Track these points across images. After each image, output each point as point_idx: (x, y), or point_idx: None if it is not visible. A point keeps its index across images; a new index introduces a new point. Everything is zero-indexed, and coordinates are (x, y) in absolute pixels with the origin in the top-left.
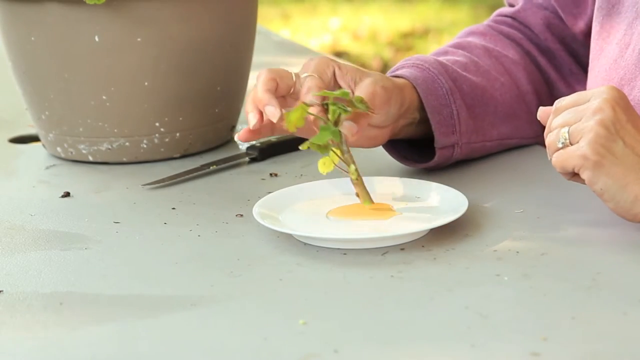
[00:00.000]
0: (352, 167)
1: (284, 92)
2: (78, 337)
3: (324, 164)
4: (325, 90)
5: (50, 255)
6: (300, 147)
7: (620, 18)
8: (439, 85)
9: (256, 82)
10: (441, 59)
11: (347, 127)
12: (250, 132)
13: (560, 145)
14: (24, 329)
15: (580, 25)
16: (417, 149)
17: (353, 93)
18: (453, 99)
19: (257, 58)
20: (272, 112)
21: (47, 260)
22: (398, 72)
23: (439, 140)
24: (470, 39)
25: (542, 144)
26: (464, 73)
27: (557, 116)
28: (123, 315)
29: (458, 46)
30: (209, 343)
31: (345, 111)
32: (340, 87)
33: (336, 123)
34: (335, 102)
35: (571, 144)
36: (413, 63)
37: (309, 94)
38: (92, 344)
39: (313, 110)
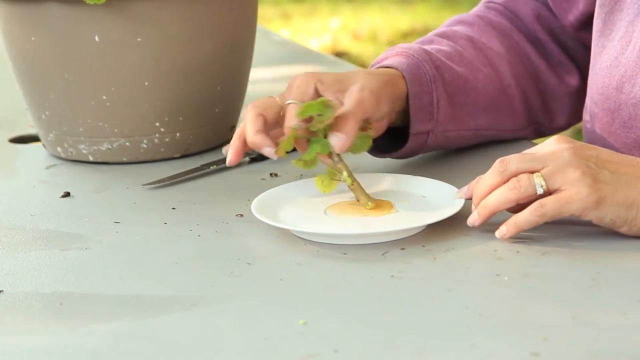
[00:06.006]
0: (345, 174)
1: (274, 121)
2: (78, 337)
3: (323, 182)
4: (306, 103)
5: (50, 255)
6: (293, 163)
7: (622, 15)
8: (423, 72)
9: (244, 120)
10: (426, 47)
11: (335, 141)
12: (239, 155)
13: (540, 192)
14: (24, 329)
15: (570, 19)
16: (391, 139)
17: (341, 103)
18: (435, 87)
19: (257, 58)
20: (271, 153)
21: (47, 260)
22: (385, 62)
23: (414, 126)
24: (457, 28)
25: (521, 137)
26: (448, 62)
27: (507, 166)
28: (123, 315)
29: (443, 35)
30: (209, 343)
31: (321, 115)
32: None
33: (325, 136)
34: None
35: (550, 190)
36: (397, 52)
37: (292, 120)
38: (92, 344)
39: (301, 132)
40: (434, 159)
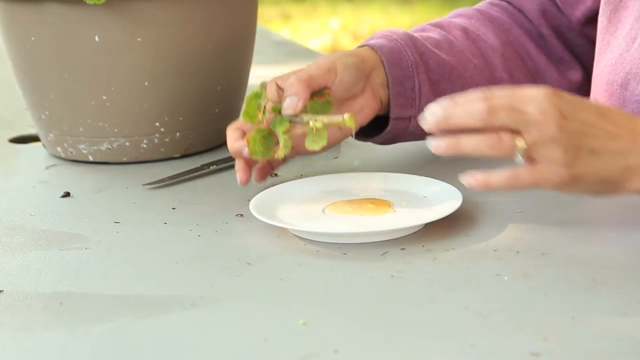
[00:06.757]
0: (310, 123)
1: None
2: (78, 337)
3: (314, 141)
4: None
5: (50, 255)
6: (276, 157)
7: (627, 12)
8: (404, 57)
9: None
10: (414, 34)
11: (287, 102)
12: (247, 172)
13: (518, 160)
14: (24, 329)
15: (576, 14)
16: (380, 128)
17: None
18: (417, 72)
19: (257, 58)
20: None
21: (47, 260)
22: (366, 43)
23: (394, 111)
24: (454, 19)
25: None
26: (434, 49)
27: (495, 116)
28: (123, 315)
29: (437, 24)
30: (209, 343)
31: (262, 91)
32: None
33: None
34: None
35: (528, 157)
36: (382, 34)
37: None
38: (92, 344)
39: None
40: (434, 159)
